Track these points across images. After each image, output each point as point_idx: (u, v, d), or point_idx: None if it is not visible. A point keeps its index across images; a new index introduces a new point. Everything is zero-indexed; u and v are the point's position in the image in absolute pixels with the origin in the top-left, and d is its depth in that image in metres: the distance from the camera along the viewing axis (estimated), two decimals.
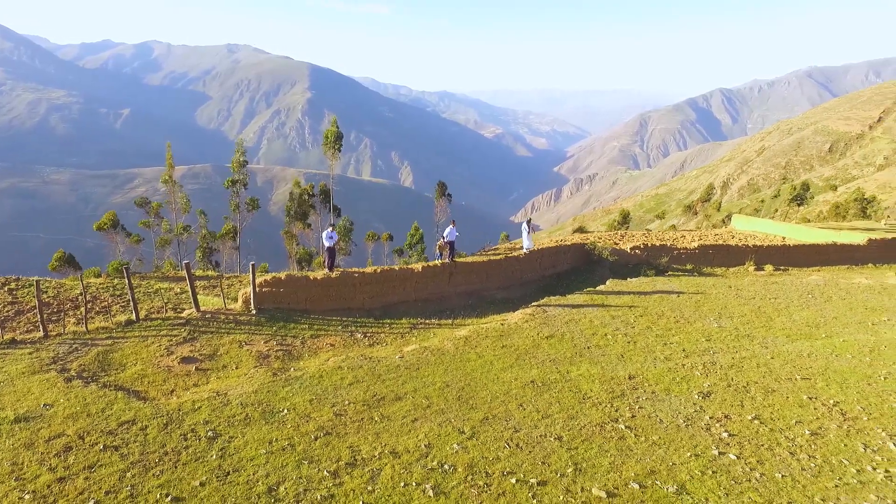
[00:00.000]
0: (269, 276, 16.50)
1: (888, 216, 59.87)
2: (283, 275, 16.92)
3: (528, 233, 24.39)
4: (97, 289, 20.35)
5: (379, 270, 18.38)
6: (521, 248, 25.00)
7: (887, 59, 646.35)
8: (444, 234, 21.28)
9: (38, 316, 13.81)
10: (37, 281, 15.18)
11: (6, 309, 17.17)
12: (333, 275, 17.53)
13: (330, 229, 19.53)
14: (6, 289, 19.54)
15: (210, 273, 30.91)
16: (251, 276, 15.87)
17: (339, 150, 46.20)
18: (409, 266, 19.84)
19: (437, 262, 21.00)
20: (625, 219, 76.70)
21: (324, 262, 20.90)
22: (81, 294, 16.42)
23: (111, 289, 20.56)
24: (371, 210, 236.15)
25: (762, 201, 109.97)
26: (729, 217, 57.82)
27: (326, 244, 19.36)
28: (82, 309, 15.36)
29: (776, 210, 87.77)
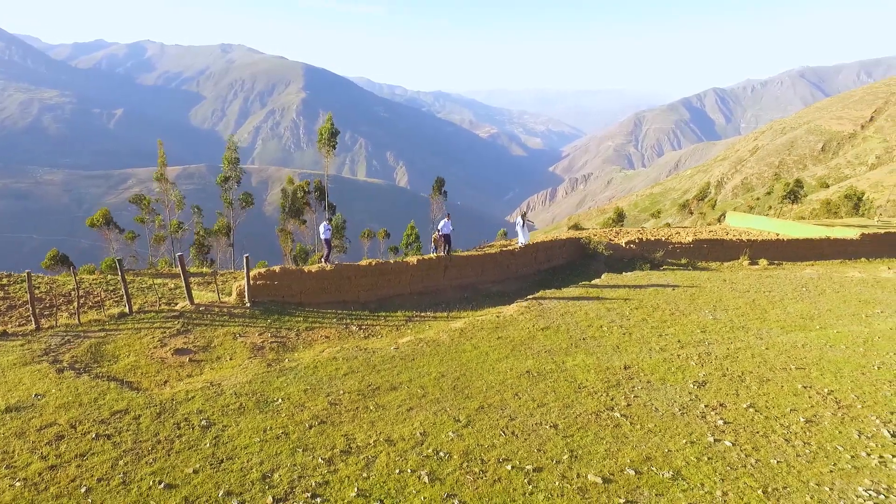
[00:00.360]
0: (263, 269, 16.43)
1: (881, 214, 60.29)
2: (277, 268, 16.85)
3: (524, 227, 24.34)
4: (90, 284, 20.23)
5: (374, 263, 18.33)
6: (517, 244, 24.97)
7: (879, 59, 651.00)
8: (439, 227, 21.18)
9: (31, 309, 13.69)
10: (28, 273, 15.03)
11: None
12: (328, 267, 17.48)
13: (326, 222, 19.52)
14: None
15: (204, 270, 30.79)
16: (245, 268, 15.80)
17: (334, 148, 46.06)
18: (405, 259, 19.81)
19: (432, 255, 20.95)
20: (619, 217, 76.95)
21: (322, 255, 20.91)
22: (74, 289, 16.31)
23: (104, 284, 20.44)
24: (366, 210, 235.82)
25: (757, 199, 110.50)
26: (723, 216, 58.01)
27: (324, 237, 19.38)
28: (75, 304, 15.25)
29: (769, 207, 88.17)
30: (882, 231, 32.41)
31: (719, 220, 61.21)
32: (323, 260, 19.23)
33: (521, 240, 24.38)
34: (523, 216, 24.54)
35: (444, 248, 20.94)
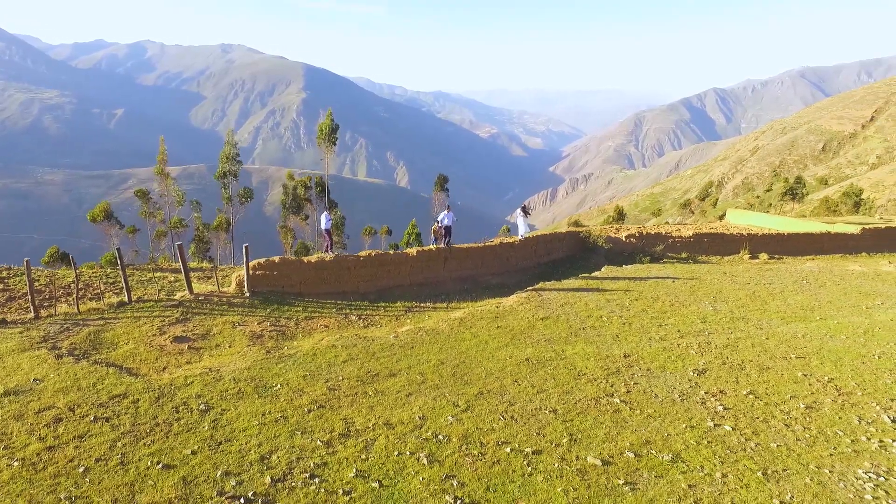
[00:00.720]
0: (262, 260, 16.41)
1: (881, 213, 60.21)
2: (277, 258, 16.84)
3: (524, 219, 24.26)
4: (90, 277, 20.21)
5: (374, 254, 18.32)
6: (518, 238, 24.89)
7: (879, 59, 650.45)
8: (439, 219, 21.07)
9: (29, 298, 13.67)
10: (27, 261, 15.01)
11: None
12: (328, 258, 17.47)
13: (327, 212, 19.52)
14: None
15: (204, 265, 30.74)
16: (244, 258, 15.78)
17: (335, 144, 46.00)
18: (404, 251, 19.80)
19: (431, 246, 20.91)
20: (620, 216, 76.92)
21: (325, 245, 20.90)
22: (74, 281, 16.30)
23: (104, 277, 20.42)
24: (367, 210, 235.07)
25: (757, 197, 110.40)
26: (724, 214, 57.93)
27: (325, 227, 19.38)
28: (74, 294, 15.22)
29: (770, 205, 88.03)
30: (883, 226, 32.36)
31: (720, 219, 61.10)
32: (325, 250, 19.25)
33: (522, 230, 24.31)
34: (523, 208, 24.49)
35: (445, 240, 20.87)
